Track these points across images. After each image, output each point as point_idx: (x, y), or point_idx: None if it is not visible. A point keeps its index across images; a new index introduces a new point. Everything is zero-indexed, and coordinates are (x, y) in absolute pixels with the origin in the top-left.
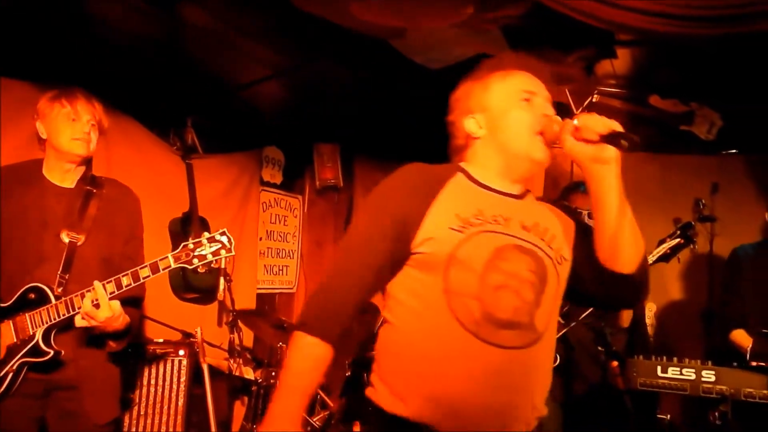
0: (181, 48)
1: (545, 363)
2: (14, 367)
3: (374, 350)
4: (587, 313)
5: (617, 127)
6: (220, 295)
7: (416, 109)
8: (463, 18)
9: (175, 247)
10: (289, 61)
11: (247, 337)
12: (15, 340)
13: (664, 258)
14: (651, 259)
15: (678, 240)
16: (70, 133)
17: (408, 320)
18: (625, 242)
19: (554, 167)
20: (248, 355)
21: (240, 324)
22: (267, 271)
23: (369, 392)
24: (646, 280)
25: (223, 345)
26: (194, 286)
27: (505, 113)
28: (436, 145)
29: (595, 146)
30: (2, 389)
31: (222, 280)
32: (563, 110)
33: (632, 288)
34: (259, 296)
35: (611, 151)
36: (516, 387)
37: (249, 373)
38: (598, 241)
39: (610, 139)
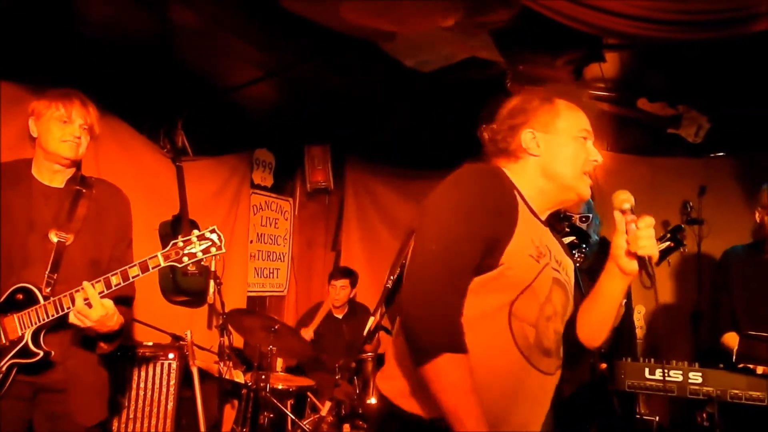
0: (172, 49)
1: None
2: (3, 369)
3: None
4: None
5: (655, 256)
6: (210, 298)
7: (406, 111)
8: (452, 22)
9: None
10: (280, 63)
11: (237, 340)
12: (4, 342)
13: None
14: None
15: (668, 243)
16: (60, 135)
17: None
18: (607, 331)
19: None
20: (238, 358)
21: (229, 327)
22: (257, 274)
23: (395, 397)
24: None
25: (212, 348)
26: (184, 288)
27: (567, 143)
28: (425, 147)
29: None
30: None
31: (212, 282)
32: None
33: (586, 355)
34: (250, 299)
35: (635, 267)
36: (539, 409)
37: (239, 377)
38: (583, 320)
39: (641, 262)
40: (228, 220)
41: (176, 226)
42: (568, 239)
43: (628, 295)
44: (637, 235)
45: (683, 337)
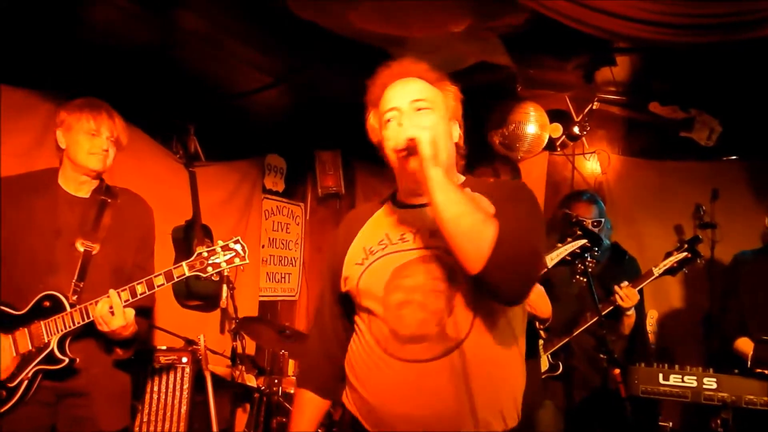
0: (183, 56)
1: (480, 370)
2: (29, 375)
3: None
4: (591, 321)
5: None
6: (223, 302)
7: None
8: (463, 27)
9: (178, 254)
10: (290, 69)
11: (249, 344)
12: (30, 348)
13: (671, 271)
14: (657, 272)
15: (685, 254)
16: (89, 147)
17: (353, 349)
18: (455, 245)
19: (555, 174)
20: (251, 363)
21: (242, 332)
22: (269, 279)
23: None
24: (510, 277)
25: (225, 352)
26: (197, 293)
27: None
28: None
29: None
30: (17, 396)
31: (225, 287)
32: (564, 117)
33: (490, 287)
34: (262, 303)
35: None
36: (437, 399)
37: (251, 381)
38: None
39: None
40: (240, 224)
41: (189, 231)
42: (580, 242)
43: (641, 301)
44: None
45: (695, 342)
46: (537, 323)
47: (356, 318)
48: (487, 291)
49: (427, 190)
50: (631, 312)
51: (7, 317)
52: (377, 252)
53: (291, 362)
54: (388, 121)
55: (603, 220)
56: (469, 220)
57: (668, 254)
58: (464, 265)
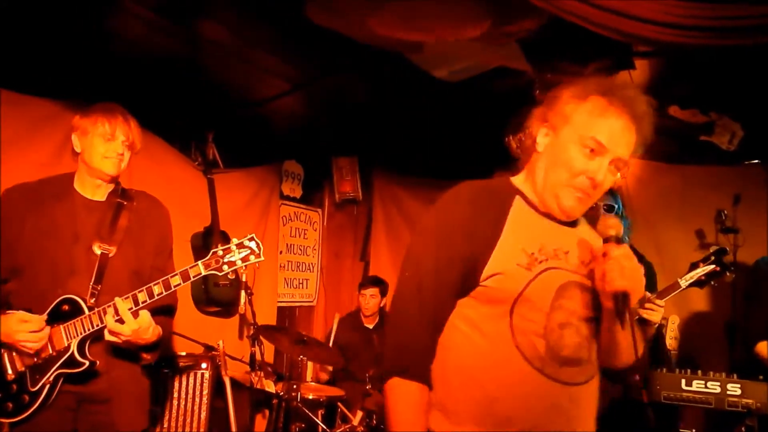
0: (201, 63)
1: (596, 395)
2: (51, 379)
3: None
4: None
5: (635, 293)
6: (242, 308)
7: (433, 121)
8: (481, 32)
9: (197, 261)
10: (308, 76)
11: (268, 350)
12: (51, 352)
13: (699, 284)
14: (684, 284)
15: (713, 267)
16: (104, 151)
17: (465, 349)
18: (622, 354)
19: None
20: (269, 368)
21: (261, 337)
22: (287, 285)
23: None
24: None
25: (244, 358)
26: (216, 299)
27: (567, 148)
28: (452, 157)
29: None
30: (39, 401)
31: (243, 293)
32: None
33: (615, 374)
34: (280, 309)
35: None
36: (573, 421)
37: (270, 387)
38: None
39: (614, 299)
40: (258, 230)
41: (208, 238)
42: None
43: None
44: (607, 267)
45: (718, 347)
46: None
47: (474, 320)
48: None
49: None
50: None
51: None
52: (542, 262)
53: (309, 367)
54: (587, 147)
55: (615, 206)
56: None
57: (693, 265)
58: (612, 362)
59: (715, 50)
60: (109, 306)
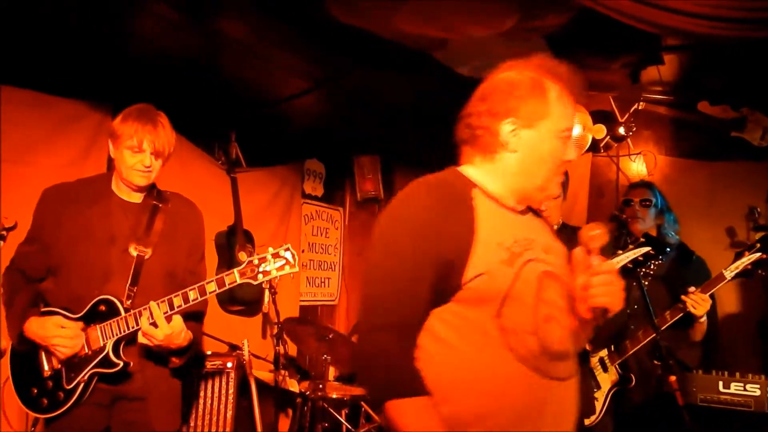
0: (223, 63)
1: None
2: (86, 378)
3: None
4: (650, 337)
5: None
6: (265, 307)
7: (455, 119)
8: (507, 27)
9: (221, 259)
10: (329, 74)
11: (291, 349)
12: (86, 351)
13: (745, 274)
14: (729, 275)
15: (759, 254)
16: (132, 164)
17: (453, 363)
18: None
19: (599, 176)
20: (294, 367)
21: (285, 336)
22: (309, 284)
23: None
24: None
25: (268, 357)
26: (240, 298)
27: (550, 142)
28: None
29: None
30: (74, 399)
31: (267, 292)
32: (608, 118)
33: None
34: (302, 308)
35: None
36: (567, 417)
37: (294, 386)
38: None
39: (596, 314)
40: (280, 229)
41: (231, 236)
42: (642, 250)
43: (713, 306)
44: (591, 282)
45: (752, 347)
46: None
47: (457, 325)
48: None
49: None
50: (704, 318)
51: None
52: (520, 255)
53: (332, 367)
54: (565, 138)
55: (653, 200)
56: None
57: (738, 255)
58: None
59: (747, 43)
60: (144, 309)
